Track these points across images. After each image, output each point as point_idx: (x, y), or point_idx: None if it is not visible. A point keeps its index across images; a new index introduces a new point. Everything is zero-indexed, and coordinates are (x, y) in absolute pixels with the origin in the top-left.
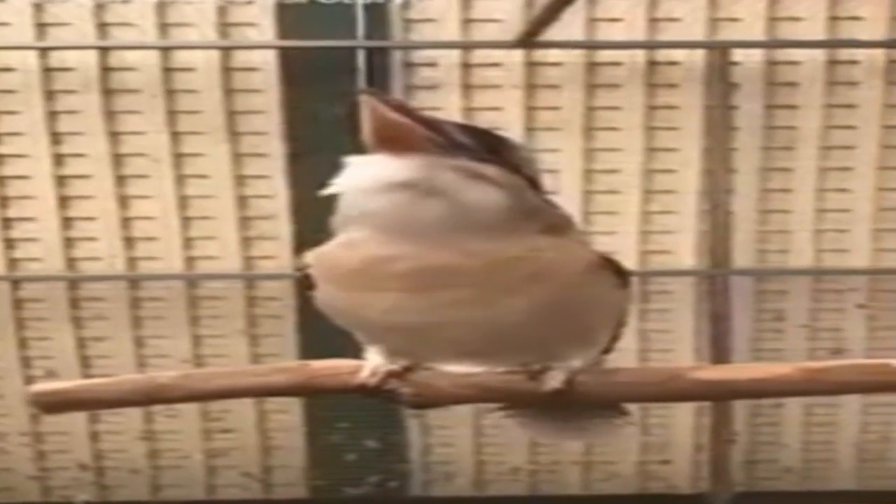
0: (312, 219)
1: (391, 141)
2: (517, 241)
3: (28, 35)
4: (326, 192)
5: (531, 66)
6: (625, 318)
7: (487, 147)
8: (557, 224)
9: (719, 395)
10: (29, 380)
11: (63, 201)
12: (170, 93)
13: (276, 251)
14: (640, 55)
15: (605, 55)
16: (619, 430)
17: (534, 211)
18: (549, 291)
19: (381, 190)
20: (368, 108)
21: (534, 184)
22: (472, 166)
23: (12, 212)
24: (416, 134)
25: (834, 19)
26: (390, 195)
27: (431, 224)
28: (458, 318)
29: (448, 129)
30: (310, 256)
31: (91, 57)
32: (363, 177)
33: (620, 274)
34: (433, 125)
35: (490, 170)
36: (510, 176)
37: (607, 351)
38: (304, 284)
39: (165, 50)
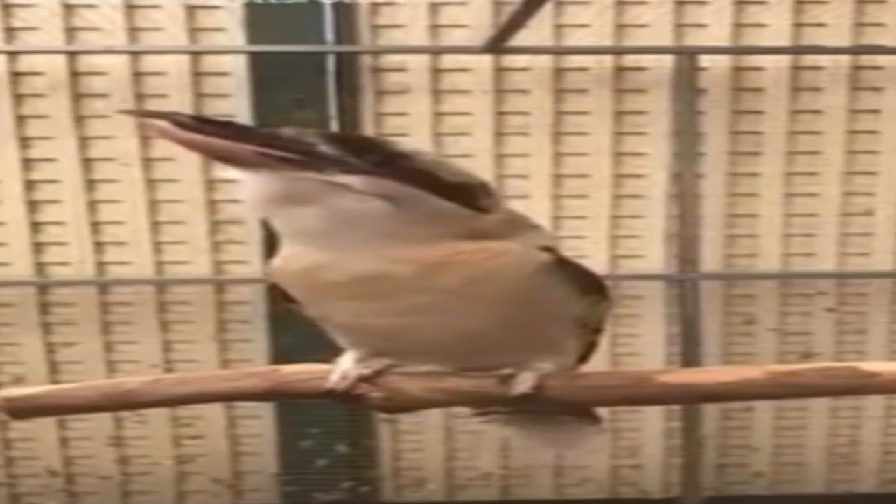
0: None
1: (217, 158)
2: (439, 248)
3: None
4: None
5: (500, 71)
6: (601, 324)
7: (375, 160)
8: (491, 229)
9: (689, 399)
10: None
11: (32, 206)
12: (139, 97)
13: (247, 255)
14: (607, 61)
15: (573, 60)
16: (592, 438)
17: (446, 218)
18: (495, 295)
19: (256, 203)
20: (158, 133)
21: (449, 191)
22: (331, 178)
23: None
24: (227, 149)
25: (799, 26)
26: (268, 208)
27: (326, 235)
28: (414, 323)
29: (309, 142)
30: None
31: (60, 61)
32: (243, 192)
33: (584, 278)
34: (249, 136)
35: (356, 180)
36: (390, 185)
37: (584, 359)
38: (284, 296)
39: (135, 54)
